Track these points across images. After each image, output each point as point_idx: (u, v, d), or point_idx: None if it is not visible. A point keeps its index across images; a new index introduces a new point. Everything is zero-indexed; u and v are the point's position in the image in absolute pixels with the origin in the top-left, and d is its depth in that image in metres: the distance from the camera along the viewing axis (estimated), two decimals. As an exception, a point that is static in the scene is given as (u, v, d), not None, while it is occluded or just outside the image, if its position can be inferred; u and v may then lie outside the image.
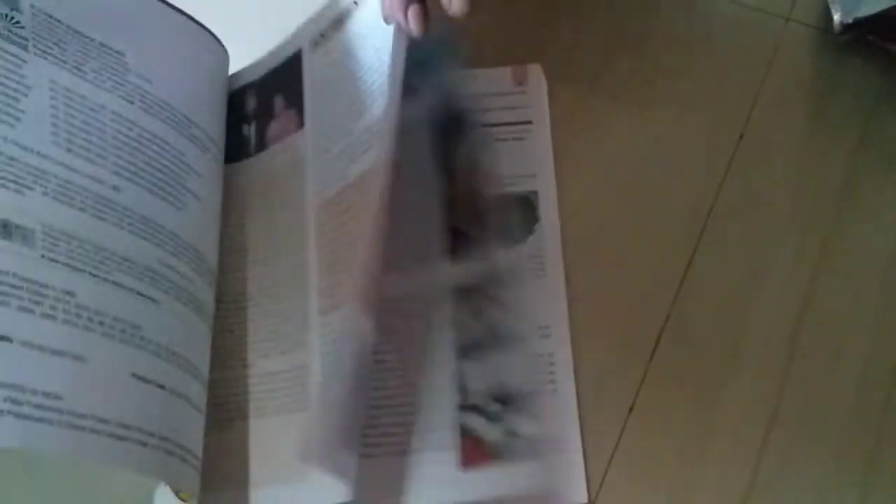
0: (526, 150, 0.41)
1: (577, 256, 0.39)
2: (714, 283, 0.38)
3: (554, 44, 0.44)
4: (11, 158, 0.30)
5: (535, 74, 0.43)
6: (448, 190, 0.39)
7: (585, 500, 0.33)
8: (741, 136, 0.42)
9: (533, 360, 0.36)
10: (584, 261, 0.39)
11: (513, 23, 0.45)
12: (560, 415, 0.35)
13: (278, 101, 0.40)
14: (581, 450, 0.34)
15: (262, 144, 0.40)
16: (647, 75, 0.44)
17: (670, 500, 0.34)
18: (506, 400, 0.35)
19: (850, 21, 0.42)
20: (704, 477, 0.34)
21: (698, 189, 0.40)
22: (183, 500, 0.32)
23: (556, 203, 0.40)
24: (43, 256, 0.29)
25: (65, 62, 0.33)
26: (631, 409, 0.36)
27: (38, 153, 0.31)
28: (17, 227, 0.29)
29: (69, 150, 0.32)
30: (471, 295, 0.37)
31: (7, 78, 0.31)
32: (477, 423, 0.35)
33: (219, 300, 0.37)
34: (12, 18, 0.32)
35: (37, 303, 0.29)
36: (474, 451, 0.34)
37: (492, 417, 0.35)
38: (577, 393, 0.36)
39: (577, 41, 0.44)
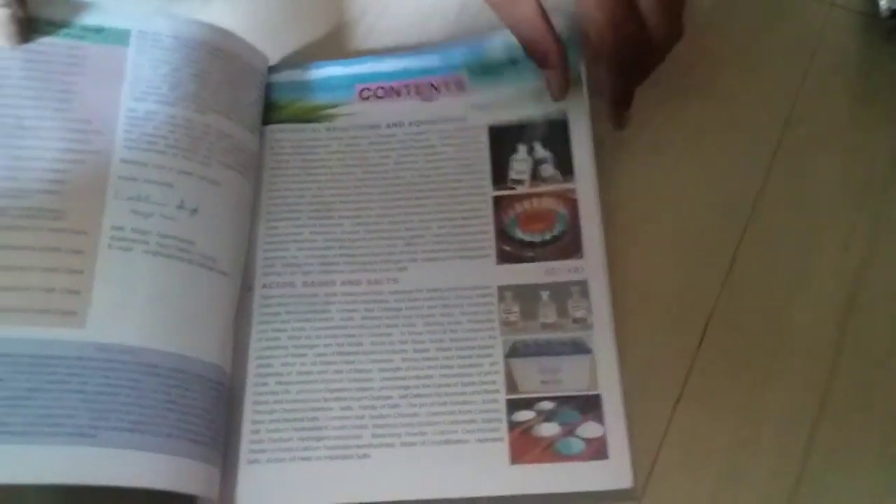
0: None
1: (620, 247, 0.38)
2: (761, 273, 0.38)
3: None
4: None
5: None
6: (499, 192, 0.39)
7: (630, 486, 0.33)
8: (786, 124, 0.41)
9: (585, 360, 0.35)
10: (627, 251, 0.38)
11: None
12: (605, 405, 0.35)
13: None
14: (627, 438, 0.34)
15: None
16: (688, 62, 0.43)
17: (718, 490, 0.34)
18: (558, 399, 0.35)
19: (898, 6, 0.41)
20: (753, 466, 0.34)
21: (743, 177, 0.40)
22: None
23: (596, 192, 0.39)
24: None
25: None
26: (678, 400, 0.36)
27: None
28: None
29: None
30: (519, 295, 0.37)
31: None
32: (527, 417, 0.34)
33: None
34: None
35: None
36: (525, 446, 0.34)
37: (545, 415, 0.34)
38: (623, 383, 0.35)
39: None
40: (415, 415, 0.35)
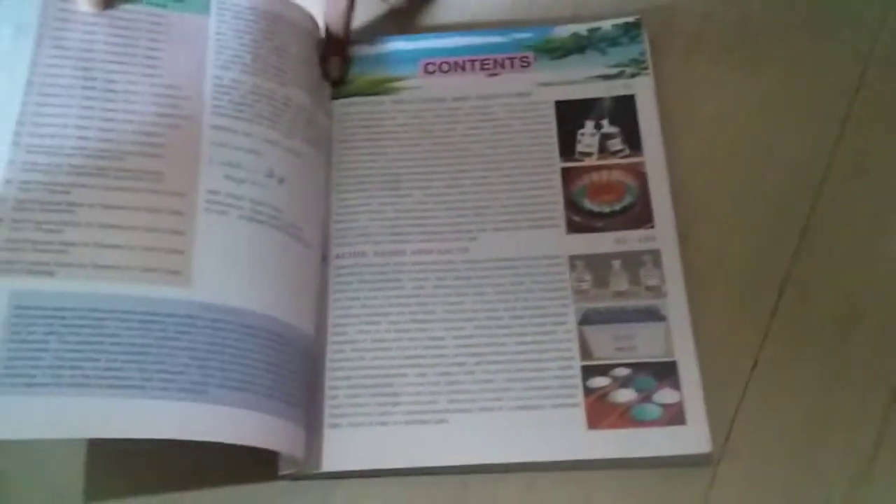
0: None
1: (690, 217, 0.38)
2: (833, 241, 0.38)
3: (655, 2, 0.44)
4: None
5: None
6: (566, 164, 0.39)
7: (708, 450, 0.33)
8: (856, 92, 0.41)
9: (660, 327, 0.36)
10: (697, 221, 0.38)
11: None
12: (682, 371, 0.35)
13: None
14: (703, 403, 0.34)
15: None
16: (753, 32, 0.43)
17: (796, 456, 0.34)
18: (633, 365, 0.35)
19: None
20: (830, 433, 0.34)
21: (813, 147, 0.40)
22: None
23: (664, 164, 0.39)
24: None
25: None
26: (754, 367, 0.36)
27: None
28: None
29: None
30: (590, 264, 0.37)
31: None
32: (603, 384, 0.35)
33: None
34: None
35: None
36: (601, 412, 0.34)
37: (620, 381, 0.35)
38: (698, 350, 0.35)
39: (681, -2, 0.44)
40: (490, 381, 0.35)
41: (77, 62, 0.35)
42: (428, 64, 0.43)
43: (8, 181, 0.32)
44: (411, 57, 0.43)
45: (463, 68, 0.42)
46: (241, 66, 0.36)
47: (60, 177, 0.32)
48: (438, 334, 0.36)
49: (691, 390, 0.34)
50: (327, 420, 0.34)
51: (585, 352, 0.35)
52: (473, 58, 0.43)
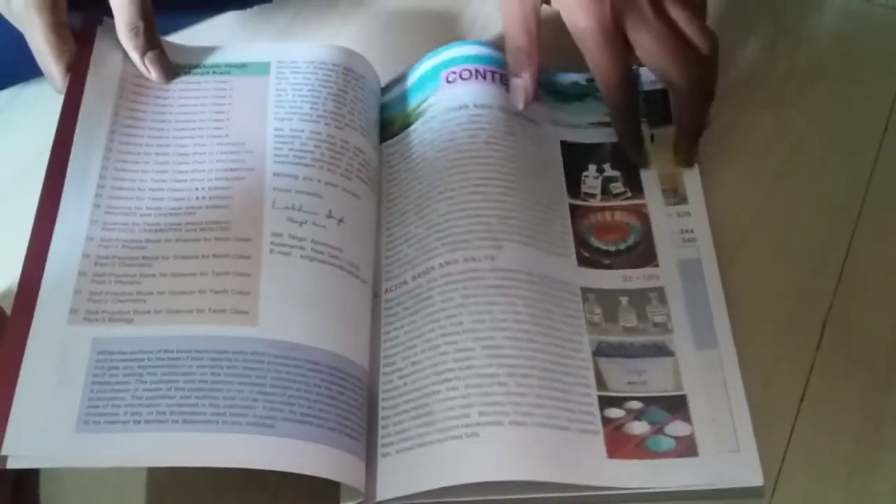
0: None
1: (731, 253, 0.39)
2: (874, 272, 0.38)
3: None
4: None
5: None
6: (573, 201, 0.40)
7: (761, 483, 0.34)
8: (885, 129, 0.42)
9: (669, 363, 0.36)
10: (738, 257, 0.39)
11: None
12: (692, 405, 0.35)
13: None
14: (753, 438, 0.34)
15: None
16: (782, 74, 0.45)
17: (850, 485, 0.34)
18: (645, 398, 0.35)
19: None
20: (882, 462, 0.34)
21: (848, 181, 0.41)
22: None
23: (703, 201, 0.40)
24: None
25: None
26: (802, 399, 0.36)
27: None
28: None
29: None
30: (600, 298, 0.38)
31: None
32: (619, 415, 0.35)
33: None
34: None
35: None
36: (619, 442, 0.34)
37: (634, 414, 0.35)
38: (745, 384, 0.36)
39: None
40: (523, 395, 0.34)
41: (151, 130, 0.38)
42: (449, 74, 0.43)
43: (90, 239, 0.34)
44: (434, 73, 0.43)
45: (484, 77, 0.42)
46: (300, 116, 0.39)
47: (137, 233, 0.35)
48: (468, 345, 0.35)
49: (738, 421, 0.34)
50: (380, 450, 0.34)
51: (601, 382, 0.35)
52: (494, 69, 0.43)
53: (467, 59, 0.43)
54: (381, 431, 0.35)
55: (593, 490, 0.33)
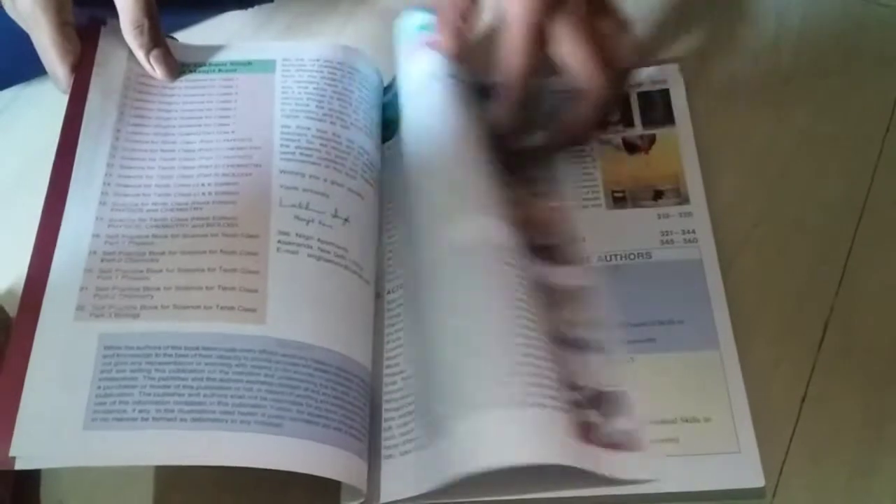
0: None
1: (732, 253, 0.39)
2: (876, 273, 0.39)
3: (690, 46, 0.46)
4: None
5: (673, 75, 0.44)
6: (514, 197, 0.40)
7: (763, 484, 0.34)
8: (887, 130, 0.42)
9: (605, 362, 0.36)
10: (739, 257, 0.39)
11: (648, 25, 0.47)
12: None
13: None
14: (754, 439, 0.35)
15: None
16: (785, 75, 0.45)
17: (851, 486, 0.34)
18: (583, 393, 0.35)
19: None
20: (883, 463, 0.35)
21: (850, 181, 0.41)
22: None
23: (705, 202, 0.40)
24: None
25: None
26: (803, 399, 0.36)
27: None
28: None
29: None
30: (544, 294, 0.37)
31: None
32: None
33: None
34: None
35: None
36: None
37: (575, 404, 0.35)
38: (746, 385, 0.36)
39: (713, 44, 0.46)
40: (530, 391, 0.33)
41: (156, 127, 0.38)
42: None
43: (96, 236, 0.34)
44: (416, 34, 0.43)
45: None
46: (306, 113, 0.39)
47: (143, 229, 0.35)
48: (470, 344, 0.34)
49: (739, 420, 0.34)
50: (383, 452, 0.35)
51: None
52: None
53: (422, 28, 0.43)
54: (384, 434, 0.35)
55: (593, 487, 0.33)
